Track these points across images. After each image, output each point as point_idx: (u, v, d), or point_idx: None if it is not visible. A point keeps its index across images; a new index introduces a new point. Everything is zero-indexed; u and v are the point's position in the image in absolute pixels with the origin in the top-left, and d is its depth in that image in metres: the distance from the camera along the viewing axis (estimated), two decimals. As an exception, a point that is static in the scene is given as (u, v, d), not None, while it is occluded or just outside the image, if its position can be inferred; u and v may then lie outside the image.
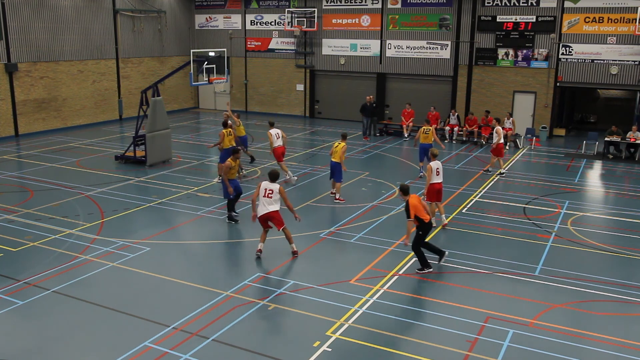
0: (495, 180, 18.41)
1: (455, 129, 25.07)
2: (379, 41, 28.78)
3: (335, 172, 15.66)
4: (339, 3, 29.45)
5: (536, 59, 25.51)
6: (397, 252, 12.18)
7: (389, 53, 28.64)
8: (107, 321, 9.23)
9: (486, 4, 25.99)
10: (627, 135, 22.10)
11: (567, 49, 24.91)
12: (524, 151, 23.25)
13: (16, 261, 11.50)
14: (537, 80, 25.73)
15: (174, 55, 32.30)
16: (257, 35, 32.19)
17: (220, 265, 11.68)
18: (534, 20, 25.20)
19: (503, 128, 23.73)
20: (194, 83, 20.40)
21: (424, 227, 11.10)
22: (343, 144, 15.72)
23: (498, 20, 25.87)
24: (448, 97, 27.64)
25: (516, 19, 25.52)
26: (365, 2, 28.74)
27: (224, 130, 17.28)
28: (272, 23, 31.53)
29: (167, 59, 31.89)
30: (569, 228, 13.95)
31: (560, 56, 25.09)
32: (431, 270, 11.22)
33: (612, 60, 24.21)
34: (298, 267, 11.53)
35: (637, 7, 23.13)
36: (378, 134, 26.52)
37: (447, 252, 11.70)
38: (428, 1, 27.25)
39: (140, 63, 30.30)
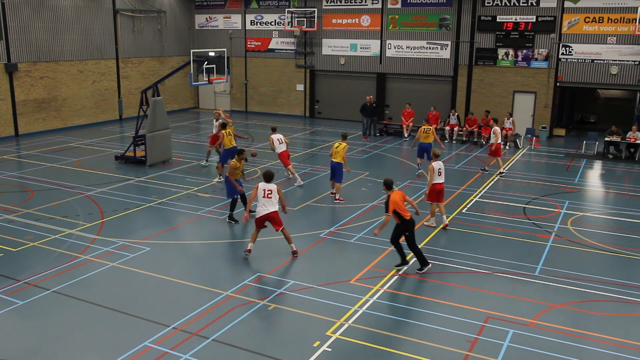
0: (495, 180, 18.41)
1: (455, 129, 25.07)
2: (379, 41, 28.78)
3: (336, 172, 15.66)
4: (339, 3, 29.45)
5: (536, 59, 25.51)
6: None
7: (389, 53, 28.64)
8: (107, 321, 9.23)
9: (486, 4, 26.00)
10: (627, 135, 22.10)
11: (567, 49, 24.92)
12: (524, 151, 23.25)
13: (16, 261, 11.50)
14: (537, 80, 25.73)
15: (174, 55, 32.31)
16: (257, 35, 32.19)
17: (220, 265, 11.67)
18: (534, 20, 25.20)
19: (503, 128, 23.84)
20: (194, 83, 20.41)
21: (404, 225, 11.00)
22: (344, 144, 15.71)
23: (498, 20, 25.87)
24: (448, 97, 27.64)
25: (516, 19, 25.52)
26: (365, 2, 28.75)
27: (223, 131, 17.34)
28: (272, 23, 31.53)
29: (167, 59, 31.89)
30: (569, 228, 13.95)
31: (560, 56, 25.09)
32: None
33: (612, 60, 24.20)
34: (298, 267, 11.53)
35: (637, 7, 23.13)
36: (378, 134, 26.52)
37: (408, 265, 11.42)
38: (428, 1, 27.25)
39: (140, 63, 30.30)
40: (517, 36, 25.59)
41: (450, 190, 16.65)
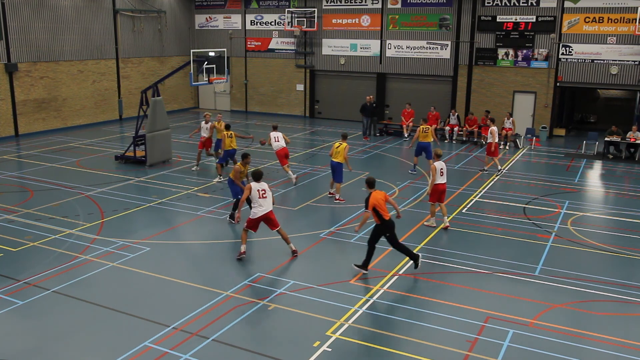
0: (495, 180, 18.41)
1: (455, 129, 25.07)
2: (379, 41, 28.78)
3: (336, 172, 15.66)
4: (339, 3, 29.45)
5: (536, 59, 25.51)
6: (397, 252, 12.15)
7: (389, 53, 28.64)
8: (107, 321, 9.23)
9: (486, 4, 26.00)
10: (627, 135, 22.10)
11: (567, 49, 24.91)
12: (524, 151, 23.25)
13: (16, 261, 11.50)
14: (537, 80, 25.73)
15: (174, 55, 32.31)
16: (257, 35, 32.19)
17: (220, 265, 11.67)
18: (534, 20, 25.20)
19: (503, 128, 23.86)
20: (194, 83, 20.40)
21: (383, 225, 10.83)
22: (345, 144, 15.69)
23: (498, 20, 25.87)
24: (448, 97, 27.64)
25: (516, 19, 25.52)
26: (365, 2, 28.75)
27: (225, 132, 17.34)
28: (272, 23, 31.54)
29: (167, 59, 31.89)
30: (569, 228, 13.95)
31: (560, 56, 25.09)
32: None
33: (612, 60, 24.20)
34: (298, 267, 11.53)
35: (637, 7, 23.13)
36: (378, 134, 26.52)
37: (368, 271, 11.12)
38: (428, 1, 27.25)
39: (140, 63, 30.30)
40: (517, 36, 25.60)
41: (450, 190, 16.64)
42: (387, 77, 29.17)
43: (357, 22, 29.22)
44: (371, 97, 26.32)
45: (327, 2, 29.71)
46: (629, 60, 23.94)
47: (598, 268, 11.62)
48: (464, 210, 15.20)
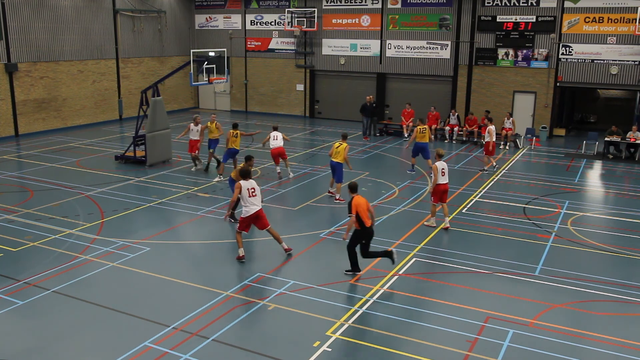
0: (495, 180, 18.41)
1: (455, 129, 25.07)
2: (379, 41, 28.78)
3: (336, 172, 15.66)
4: (339, 3, 29.45)
5: (536, 59, 25.51)
6: (397, 252, 12.16)
7: (389, 53, 28.64)
8: (107, 321, 9.23)
9: (486, 4, 26.00)
10: (627, 135, 22.10)
11: (567, 49, 24.91)
12: (524, 151, 23.25)
13: (16, 261, 11.50)
14: (537, 80, 25.73)
15: (174, 55, 32.31)
16: (257, 35, 32.19)
17: (220, 265, 11.67)
18: (534, 20, 25.20)
19: (503, 128, 23.89)
20: (194, 83, 20.40)
21: (363, 231, 10.66)
22: (345, 144, 15.69)
23: (498, 20, 25.87)
24: (448, 97, 27.64)
25: (516, 19, 25.51)
26: (365, 2, 28.75)
27: (230, 131, 17.52)
28: (272, 23, 31.54)
29: (167, 59, 31.89)
30: (569, 228, 13.95)
31: (560, 56, 25.09)
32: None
33: (612, 60, 24.20)
34: (298, 267, 11.52)
35: (637, 7, 23.13)
36: (378, 134, 26.52)
37: (361, 271, 11.09)
38: (428, 1, 27.25)
39: (140, 63, 30.30)
40: (517, 36, 25.59)
41: (451, 190, 16.56)
42: (387, 77, 29.17)
43: (357, 22, 29.22)
44: (371, 97, 26.32)
45: (327, 2, 29.71)
46: (629, 60, 23.94)
47: (598, 268, 11.62)
48: (464, 210, 15.20)
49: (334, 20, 29.79)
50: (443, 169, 13.64)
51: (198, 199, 15.93)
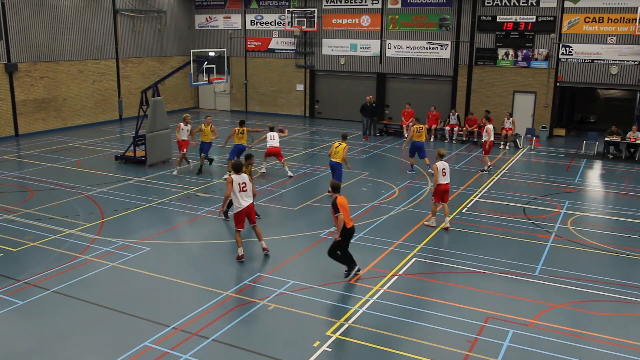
0: (495, 180, 18.42)
1: (455, 129, 25.07)
2: (379, 41, 28.78)
3: (336, 172, 15.67)
4: (339, 3, 29.45)
5: (536, 59, 25.51)
6: (397, 252, 12.18)
7: (389, 53, 28.64)
8: (107, 321, 9.23)
9: (486, 4, 25.99)
10: (627, 135, 22.10)
11: (567, 49, 24.91)
12: (524, 151, 23.25)
13: (16, 261, 11.50)
14: (537, 80, 25.73)
15: (174, 55, 32.31)
16: (257, 35, 32.19)
17: (220, 265, 11.67)
18: (534, 20, 25.20)
19: (503, 128, 23.89)
20: (194, 83, 20.41)
21: (345, 231, 10.51)
22: (344, 144, 15.70)
23: (498, 20, 25.87)
24: (448, 97, 27.63)
25: (516, 19, 25.51)
26: (365, 2, 28.74)
27: (236, 128, 17.70)
28: (272, 23, 31.54)
29: (167, 59, 31.89)
30: (569, 228, 13.95)
31: (560, 56, 25.09)
32: (359, 269, 10.84)
33: (612, 60, 24.20)
34: (298, 267, 11.52)
35: (637, 7, 23.12)
36: (378, 134, 26.53)
37: (359, 270, 10.99)
38: (428, 1, 27.25)
39: (140, 63, 30.30)
40: (517, 36, 25.59)
41: (451, 190, 16.57)
42: (387, 77, 29.17)
43: (357, 22, 29.21)
44: (371, 97, 26.31)
45: (327, 2, 29.71)
46: (629, 60, 23.94)
47: (598, 268, 11.62)
48: (464, 210, 15.20)
49: (334, 20, 29.79)
50: (444, 169, 13.63)
51: (198, 199, 15.93)
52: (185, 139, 18.27)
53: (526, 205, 15.70)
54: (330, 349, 8.45)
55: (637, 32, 23.15)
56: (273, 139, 17.97)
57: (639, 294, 10.47)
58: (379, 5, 28.39)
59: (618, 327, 9.31)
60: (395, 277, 11.02)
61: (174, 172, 18.34)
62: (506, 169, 20.02)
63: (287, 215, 14.81)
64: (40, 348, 8.46)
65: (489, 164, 19.65)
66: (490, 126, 19.45)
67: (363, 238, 13.02)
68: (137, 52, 29.96)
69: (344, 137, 16.11)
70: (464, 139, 24.97)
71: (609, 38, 24.12)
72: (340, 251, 10.80)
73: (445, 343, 8.65)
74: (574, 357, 8.35)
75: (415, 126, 18.89)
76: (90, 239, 12.75)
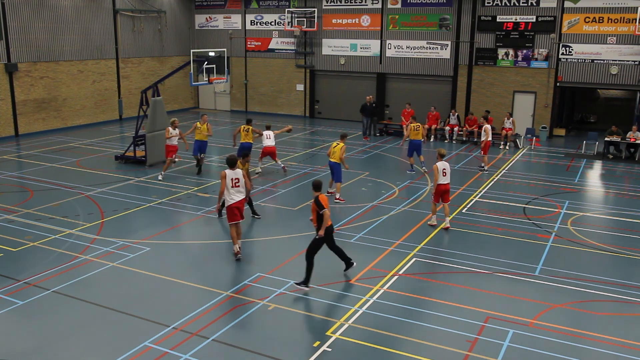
0: (495, 180, 18.42)
1: (455, 129, 25.07)
2: (379, 41, 28.78)
3: (335, 172, 15.67)
4: (339, 3, 29.45)
5: (536, 59, 25.51)
6: (397, 252, 12.19)
7: (389, 53, 28.64)
8: (107, 321, 9.23)
9: (486, 4, 25.99)
10: (627, 135, 22.10)
11: (567, 49, 24.91)
12: (524, 151, 23.25)
13: (16, 261, 11.50)
14: (537, 80, 25.73)
15: (174, 55, 32.31)
16: (257, 35, 32.19)
17: (220, 265, 11.67)
18: (534, 20, 25.20)
19: (503, 128, 23.90)
20: (194, 83, 20.42)
21: (326, 229, 10.34)
22: (342, 144, 15.71)
23: (498, 20, 25.87)
24: (448, 97, 27.63)
25: (516, 19, 25.51)
26: (365, 2, 28.74)
27: (242, 126, 18.04)
28: (272, 23, 31.54)
29: (167, 59, 31.89)
30: (569, 228, 13.95)
31: (560, 56, 25.09)
32: (307, 289, 10.28)
33: (612, 60, 24.20)
34: (298, 267, 11.49)
35: (637, 7, 23.13)
36: (378, 134, 26.53)
37: (353, 265, 10.97)
38: (428, 1, 27.25)
39: (140, 63, 30.30)
40: (517, 36, 25.59)
41: (451, 190, 16.60)
42: (387, 77, 29.17)
43: (357, 22, 29.21)
44: (371, 97, 26.32)
45: (327, 2, 29.71)
46: (629, 60, 23.94)
47: (598, 268, 11.62)
48: (464, 210, 15.20)
49: (334, 20, 29.78)
50: (444, 169, 13.63)
51: (198, 199, 15.93)
52: (175, 144, 17.66)
53: (526, 205, 15.70)
54: (330, 349, 8.45)
55: (637, 32, 23.15)
56: (269, 138, 18.06)
57: (639, 294, 10.47)
58: (379, 5, 28.40)
59: (618, 327, 9.31)
60: (395, 277, 11.02)
61: (159, 177, 17.69)
62: (506, 169, 20.02)
63: (287, 215, 14.81)
64: (40, 348, 8.46)
65: (486, 161, 19.66)
66: (488, 126, 19.48)
67: (363, 238, 13.02)
68: (137, 52, 29.95)
69: (343, 137, 16.09)
70: (464, 139, 24.97)
71: (609, 38, 24.13)
72: (310, 250, 10.37)
73: (445, 343, 8.65)
74: (574, 357, 8.35)
75: (412, 124, 18.91)
76: (90, 239, 12.75)
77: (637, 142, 21.73)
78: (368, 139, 25.47)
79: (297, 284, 10.41)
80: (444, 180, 13.62)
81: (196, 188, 16.93)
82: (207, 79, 20.07)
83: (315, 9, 29.60)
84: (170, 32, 31.93)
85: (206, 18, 33.39)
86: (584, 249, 12.67)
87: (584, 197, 16.89)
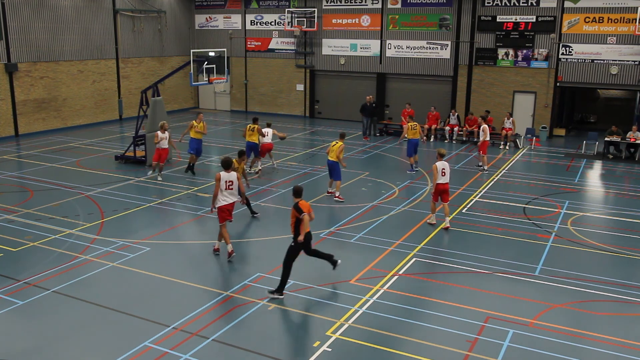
0: (495, 180, 18.42)
1: (455, 129, 25.07)
2: (379, 41, 28.78)
3: (333, 170, 15.68)
4: (339, 3, 29.45)
5: (536, 59, 25.51)
6: (397, 252, 12.19)
7: (389, 53, 28.64)
8: (107, 321, 9.22)
9: (486, 4, 25.99)
10: (627, 135, 22.10)
11: (567, 49, 24.91)
12: (524, 151, 23.24)
13: (16, 261, 11.49)
14: (537, 80, 25.73)
15: (174, 55, 32.31)
16: (257, 35, 32.19)
17: (220, 265, 11.67)
18: (534, 20, 25.20)
19: (503, 128, 23.90)
20: (194, 83, 20.42)
21: (305, 235, 10.04)
22: (340, 143, 15.72)
23: (498, 20, 25.86)
24: (448, 97, 27.63)
25: (516, 19, 25.51)
26: (365, 2, 28.74)
27: (249, 125, 18.21)
28: (272, 23, 31.54)
29: (167, 59, 31.89)
30: (569, 228, 13.95)
31: (560, 56, 25.09)
32: (282, 297, 9.98)
33: (612, 60, 24.20)
34: (298, 267, 11.46)
35: (637, 7, 23.13)
36: (378, 134, 26.52)
37: (337, 262, 10.75)
38: (428, 1, 27.25)
39: (140, 63, 30.30)
40: (517, 36, 25.59)
41: (451, 190, 16.57)
42: (387, 77, 29.17)
43: (357, 22, 29.21)
44: (371, 97, 26.32)
45: (327, 2, 29.71)
46: (629, 60, 23.94)
47: (598, 268, 11.62)
48: (464, 210, 15.20)
49: (334, 20, 29.78)
50: (443, 168, 13.63)
51: (198, 199, 15.93)
52: (166, 147, 17.36)
53: (526, 205, 15.69)
54: (330, 349, 8.45)
55: (637, 32, 23.15)
56: (267, 136, 18.32)
57: (639, 294, 10.47)
58: (379, 5, 28.39)
59: (618, 327, 9.31)
60: (395, 277, 11.02)
61: (159, 178, 17.63)
62: (506, 169, 20.02)
63: (287, 215, 14.75)
64: (40, 348, 8.46)
65: (484, 161, 19.65)
66: (485, 125, 19.48)
67: (363, 238, 13.03)
68: (137, 52, 29.95)
69: (342, 136, 16.11)
70: (464, 139, 24.97)
71: (609, 38, 24.12)
72: (288, 259, 10.05)
73: (445, 343, 8.65)
74: (574, 357, 8.35)
75: (409, 124, 18.95)
76: (90, 239, 12.75)
77: (637, 142, 21.73)
78: (368, 139, 25.46)
79: (270, 292, 10.05)
80: (443, 179, 13.63)
81: (196, 188, 16.92)
82: (207, 79, 20.07)
83: (315, 9, 29.60)
84: (170, 32, 31.93)
85: (206, 18, 33.39)
86: (584, 249, 12.67)
87: (584, 197, 16.89)
